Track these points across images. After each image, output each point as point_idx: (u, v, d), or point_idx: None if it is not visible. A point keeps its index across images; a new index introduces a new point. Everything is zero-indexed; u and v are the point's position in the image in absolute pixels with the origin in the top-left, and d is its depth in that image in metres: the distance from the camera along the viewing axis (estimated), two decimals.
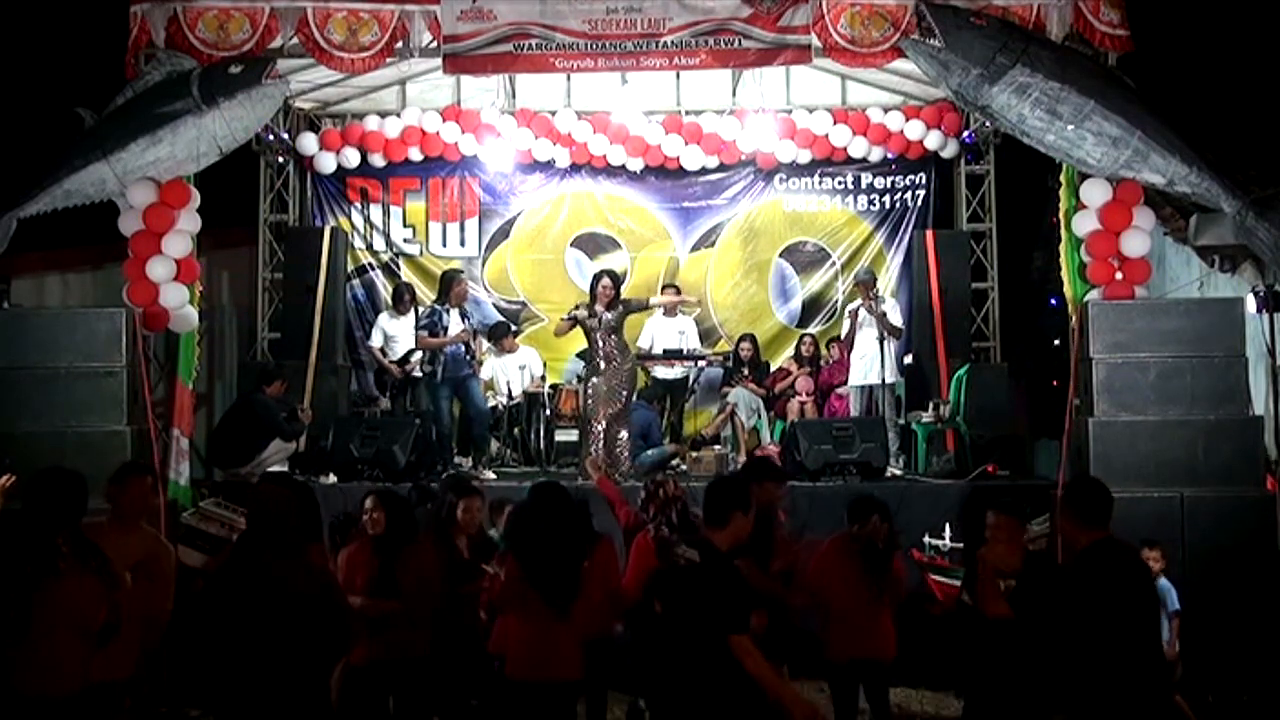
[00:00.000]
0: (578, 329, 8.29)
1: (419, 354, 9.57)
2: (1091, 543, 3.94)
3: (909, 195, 10.78)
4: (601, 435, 8.03)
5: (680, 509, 5.32)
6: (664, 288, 10.28)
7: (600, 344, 8.15)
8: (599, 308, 8.18)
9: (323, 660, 4.00)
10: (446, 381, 8.82)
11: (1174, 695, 5.67)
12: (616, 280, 8.41)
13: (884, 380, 8.98)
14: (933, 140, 10.34)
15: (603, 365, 8.12)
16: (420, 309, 9.86)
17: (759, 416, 9.73)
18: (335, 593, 4.15)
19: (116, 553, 4.25)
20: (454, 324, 8.81)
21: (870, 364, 9.12)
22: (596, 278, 8.40)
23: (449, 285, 9.04)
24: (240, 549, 4.02)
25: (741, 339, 10.16)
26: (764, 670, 3.78)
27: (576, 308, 8.35)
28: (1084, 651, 3.79)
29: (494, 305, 10.77)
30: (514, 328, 10.29)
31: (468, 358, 8.86)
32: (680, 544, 4.21)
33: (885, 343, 8.89)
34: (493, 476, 8.36)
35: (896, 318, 9.25)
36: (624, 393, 8.18)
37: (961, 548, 6.90)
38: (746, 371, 9.95)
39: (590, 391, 8.14)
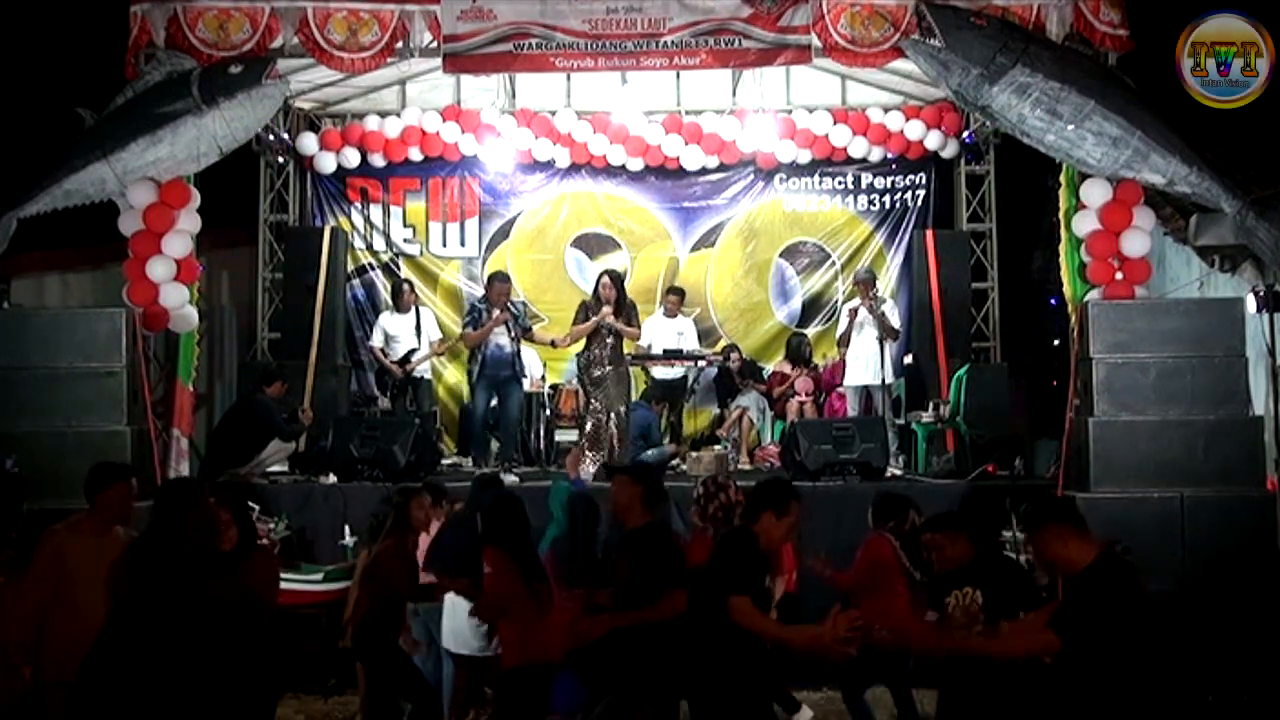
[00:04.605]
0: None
1: (419, 353, 9.60)
2: (1101, 554, 3.52)
3: (909, 195, 10.77)
4: (612, 430, 8.09)
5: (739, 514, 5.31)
6: (667, 291, 10.22)
7: (603, 343, 8.22)
8: (606, 309, 8.25)
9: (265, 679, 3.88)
10: (485, 379, 8.70)
11: None
12: (616, 279, 8.45)
13: (883, 381, 8.98)
14: (933, 140, 10.34)
15: (598, 365, 8.20)
16: (420, 309, 9.92)
17: (764, 417, 9.77)
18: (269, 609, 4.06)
19: (91, 557, 4.21)
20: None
21: (868, 364, 9.13)
22: (598, 278, 8.48)
23: (489, 285, 8.96)
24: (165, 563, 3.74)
25: (730, 351, 10.07)
26: (760, 624, 3.83)
27: (584, 306, 8.41)
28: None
29: None
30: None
31: (512, 357, 8.69)
32: None
33: (884, 343, 8.89)
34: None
35: (895, 319, 9.26)
36: (625, 396, 8.25)
37: None
38: (740, 379, 9.93)
39: (593, 386, 8.20)
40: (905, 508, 5.36)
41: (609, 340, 8.30)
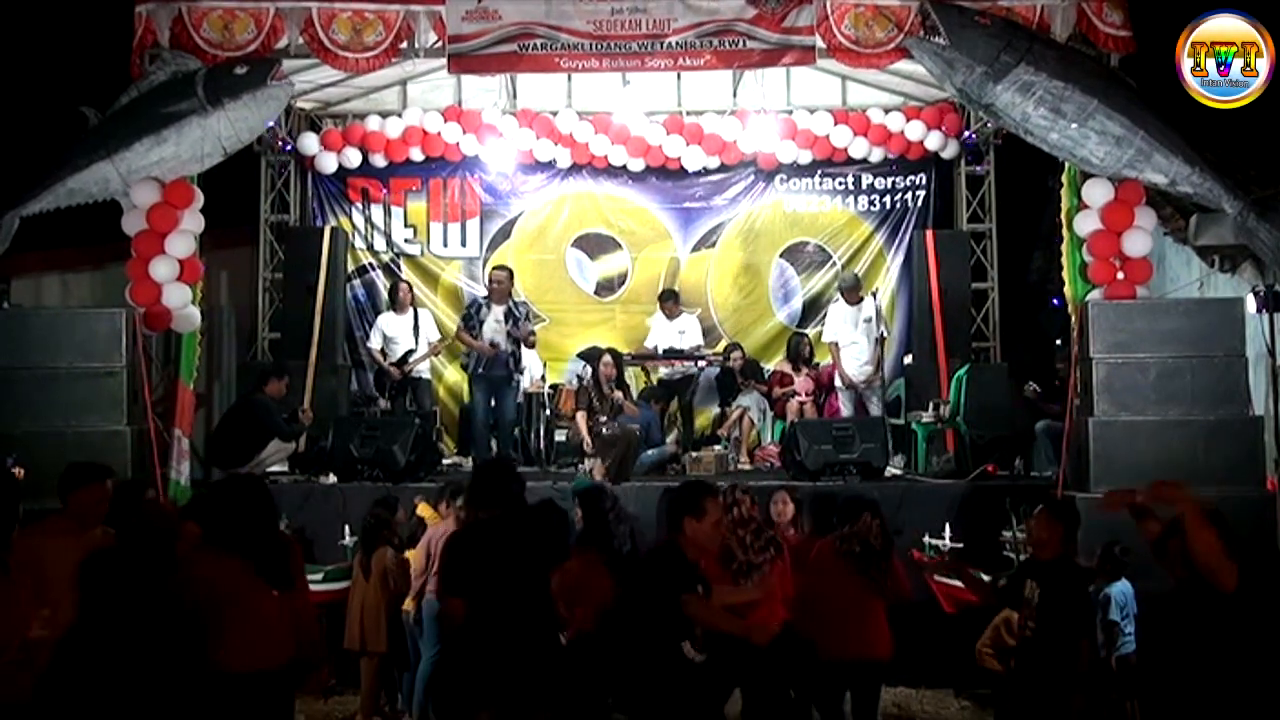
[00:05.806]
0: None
1: (417, 354, 9.60)
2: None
3: (909, 196, 10.79)
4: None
5: (754, 530, 5.29)
6: (660, 298, 10.19)
7: (598, 416, 8.46)
8: (606, 388, 8.53)
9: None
10: (480, 378, 8.90)
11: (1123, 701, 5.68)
12: (618, 357, 8.77)
13: (883, 381, 9.01)
14: (933, 141, 10.35)
15: (608, 426, 8.29)
16: (419, 309, 9.93)
17: (764, 417, 9.78)
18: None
19: (67, 558, 4.16)
20: (491, 320, 8.85)
21: (859, 367, 9.35)
22: (598, 358, 8.74)
23: (490, 278, 9.23)
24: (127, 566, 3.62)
25: (731, 349, 10.06)
26: (705, 614, 4.04)
27: (584, 389, 8.67)
28: None
29: None
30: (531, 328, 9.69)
31: (506, 358, 8.81)
32: None
33: (880, 344, 8.96)
34: None
35: (879, 328, 9.35)
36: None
37: (962, 548, 6.92)
38: (742, 378, 9.94)
39: (603, 445, 8.21)
40: (860, 511, 5.42)
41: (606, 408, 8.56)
